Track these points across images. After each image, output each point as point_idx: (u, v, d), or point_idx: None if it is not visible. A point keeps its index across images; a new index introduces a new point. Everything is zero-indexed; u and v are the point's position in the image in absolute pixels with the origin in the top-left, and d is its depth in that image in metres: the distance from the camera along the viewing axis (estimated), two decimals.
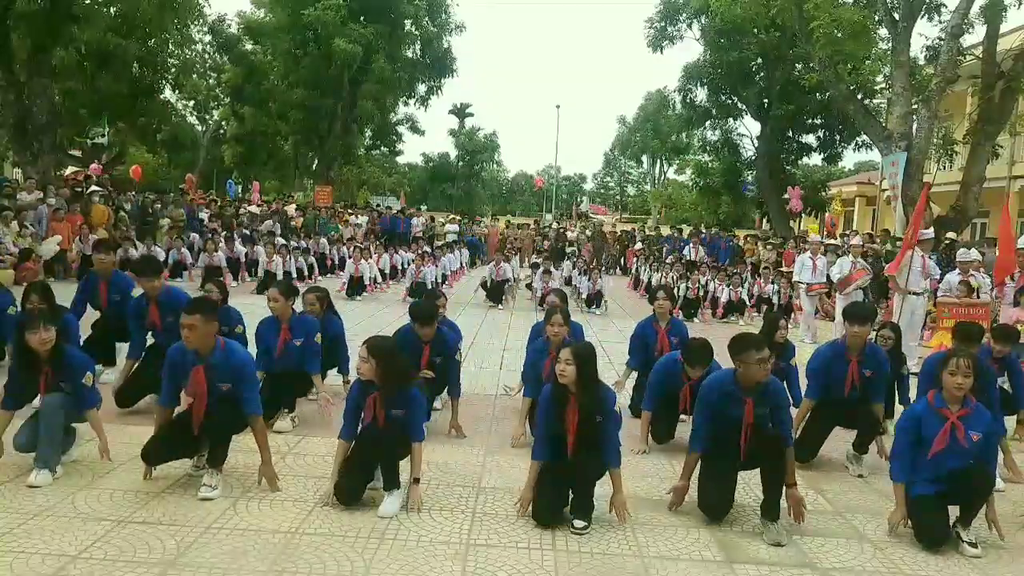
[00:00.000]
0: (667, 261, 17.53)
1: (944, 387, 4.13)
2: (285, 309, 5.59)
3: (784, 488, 4.09)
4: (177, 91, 28.46)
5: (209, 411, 4.25)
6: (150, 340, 5.94)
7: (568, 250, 22.98)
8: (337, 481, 4.13)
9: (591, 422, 4.04)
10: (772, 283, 14.13)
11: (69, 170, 22.57)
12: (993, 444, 4.29)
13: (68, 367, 4.35)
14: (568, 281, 17.03)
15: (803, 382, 5.74)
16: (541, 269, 14.69)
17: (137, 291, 6.14)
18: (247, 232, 18.15)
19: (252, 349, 5.43)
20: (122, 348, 6.64)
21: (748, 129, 33.09)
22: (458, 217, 30.25)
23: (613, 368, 8.03)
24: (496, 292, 14.00)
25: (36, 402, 4.46)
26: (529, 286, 15.30)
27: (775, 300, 13.68)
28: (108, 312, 6.51)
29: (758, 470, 4.21)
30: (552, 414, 4.09)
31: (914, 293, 9.28)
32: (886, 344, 6.01)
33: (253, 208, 23.59)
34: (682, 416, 5.64)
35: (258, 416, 4.32)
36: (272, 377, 5.55)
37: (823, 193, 31.86)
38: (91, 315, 6.65)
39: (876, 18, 17.72)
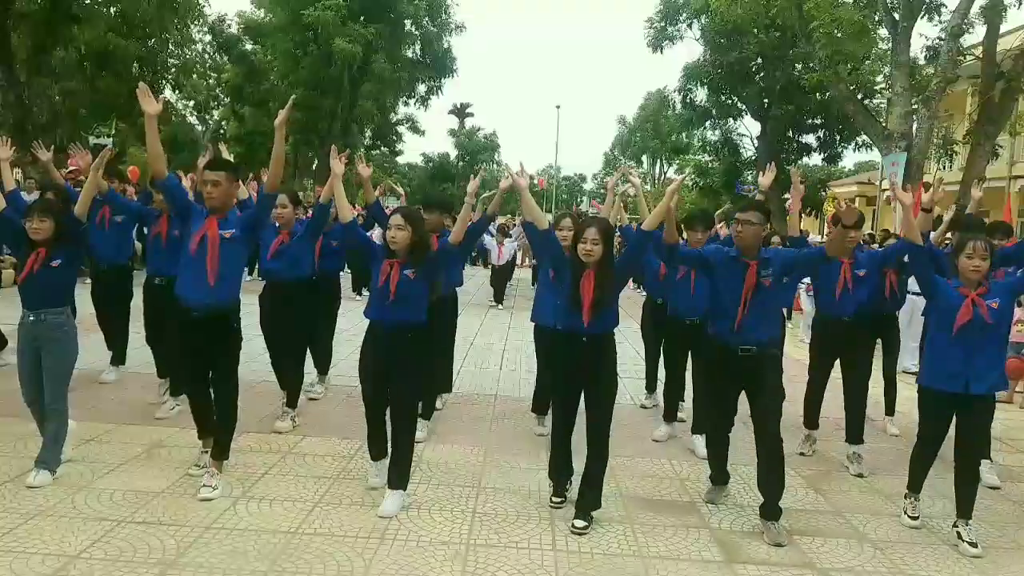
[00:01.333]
0: None
1: (960, 271, 4.12)
2: (290, 218, 5.57)
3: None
4: (177, 91, 28.42)
5: (221, 269, 4.16)
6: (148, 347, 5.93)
7: None
8: (363, 385, 4.25)
9: (607, 280, 4.03)
10: None
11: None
12: (1009, 308, 4.27)
13: (63, 248, 4.26)
14: None
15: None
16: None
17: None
18: None
19: (248, 352, 5.42)
20: (126, 352, 6.69)
21: (748, 129, 33.07)
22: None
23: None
24: (500, 281, 14.21)
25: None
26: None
27: None
28: (105, 239, 6.34)
29: (755, 473, 4.21)
30: (567, 278, 4.07)
31: (915, 294, 9.28)
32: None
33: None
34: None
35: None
36: (267, 290, 5.58)
37: (822, 193, 31.87)
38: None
39: (876, 18, 17.72)
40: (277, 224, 5.50)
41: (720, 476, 4.47)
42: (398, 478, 4.13)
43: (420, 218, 4.29)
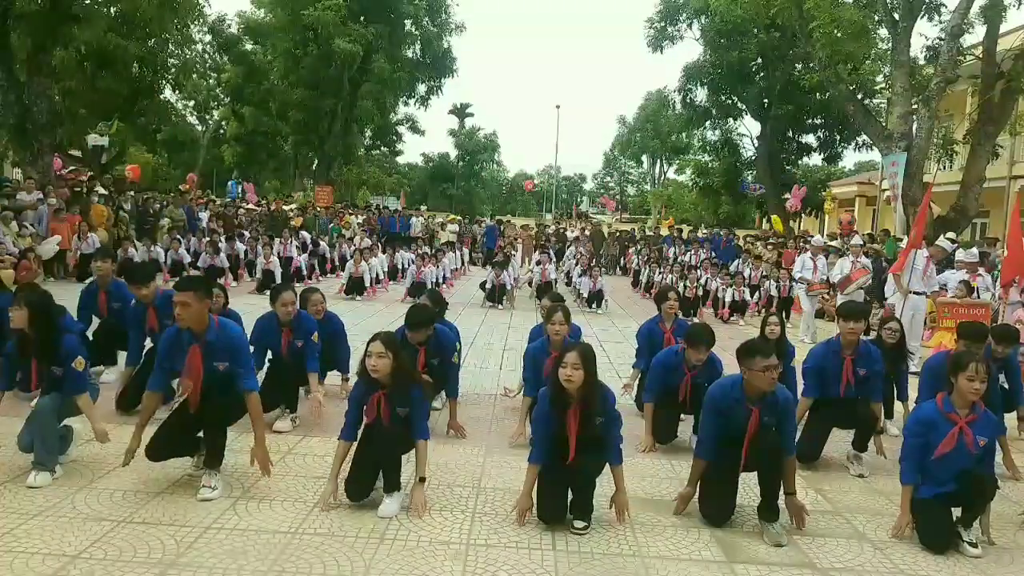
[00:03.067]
0: (667, 256, 17.64)
1: (958, 391, 4.11)
2: (293, 312, 5.66)
3: (784, 496, 4.09)
4: (177, 91, 28.44)
5: (207, 393, 4.20)
6: (148, 345, 5.93)
7: (568, 250, 23.01)
8: (348, 476, 4.13)
9: (592, 424, 3.98)
10: (768, 278, 14.23)
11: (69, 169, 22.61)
12: (994, 446, 4.30)
13: (58, 351, 4.35)
14: (568, 281, 17.06)
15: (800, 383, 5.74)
16: (537, 258, 14.93)
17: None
18: (244, 232, 18.14)
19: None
20: (122, 354, 6.68)
21: (748, 129, 33.22)
22: (458, 217, 30.24)
23: (614, 368, 8.04)
24: (494, 293, 14.07)
25: (34, 403, 4.46)
26: (531, 283, 15.48)
27: (774, 294, 13.73)
28: (109, 320, 6.56)
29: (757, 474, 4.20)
30: (552, 417, 4.01)
31: (916, 293, 9.31)
32: (892, 337, 6.05)
33: (251, 206, 23.59)
34: (682, 416, 5.66)
35: (254, 392, 4.27)
36: (275, 373, 5.58)
37: (823, 193, 31.89)
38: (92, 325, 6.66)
39: (876, 18, 17.74)
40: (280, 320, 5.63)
41: None
42: (391, 483, 4.14)
43: (398, 344, 4.19)
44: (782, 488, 4.09)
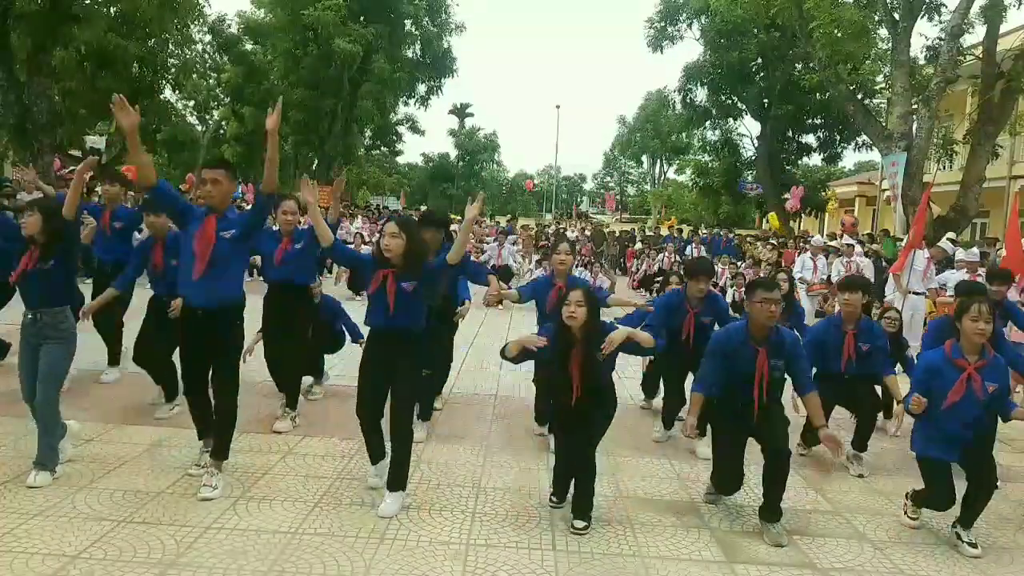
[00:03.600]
0: (666, 249, 17.71)
1: (964, 334, 4.07)
2: (293, 224, 5.59)
3: (816, 430, 4.13)
4: (177, 91, 28.43)
5: (213, 259, 4.16)
6: (144, 304, 5.89)
7: None
8: (358, 400, 4.21)
9: (595, 363, 3.99)
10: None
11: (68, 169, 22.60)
12: (1004, 396, 4.21)
13: (57, 249, 4.34)
14: None
15: None
16: (537, 258, 14.98)
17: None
18: None
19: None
20: (126, 354, 6.69)
21: (748, 129, 33.27)
22: (458, 217, 30.21)
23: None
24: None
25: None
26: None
27: None
28: (106, 243, 6.56)
29: (755, 474, 4.21)
30: (555, 360, 4.02)
31: (915, 293, 9.32)
32: (892, 326, 6.10)
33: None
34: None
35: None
36: (272, 295, 5.57)
37: (823, 193, 31.90)
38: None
39: (876, 18, 17.74)
40: (279, 229, 5.53)
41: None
42: (396, 480, 4.13)
43: (415, 226, 4.27)
44: (811, 424, 4.16)
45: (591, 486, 4.10)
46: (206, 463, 4.34)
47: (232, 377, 4.32)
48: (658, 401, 6.25)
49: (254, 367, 6.42)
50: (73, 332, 4.40)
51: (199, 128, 38.00)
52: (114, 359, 6.66)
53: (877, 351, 5.34)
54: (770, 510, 4.06)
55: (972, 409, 4.05)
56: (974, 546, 3.99)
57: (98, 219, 6.58)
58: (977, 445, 4.15)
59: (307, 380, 6.30)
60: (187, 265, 4.23)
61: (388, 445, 4.24)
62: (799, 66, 25.91)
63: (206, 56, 32.81)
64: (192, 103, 34.66)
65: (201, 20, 26.51)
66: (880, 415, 6.33)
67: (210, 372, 4.33)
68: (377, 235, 4.75)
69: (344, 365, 6.95)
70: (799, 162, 33.32)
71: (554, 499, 4.31)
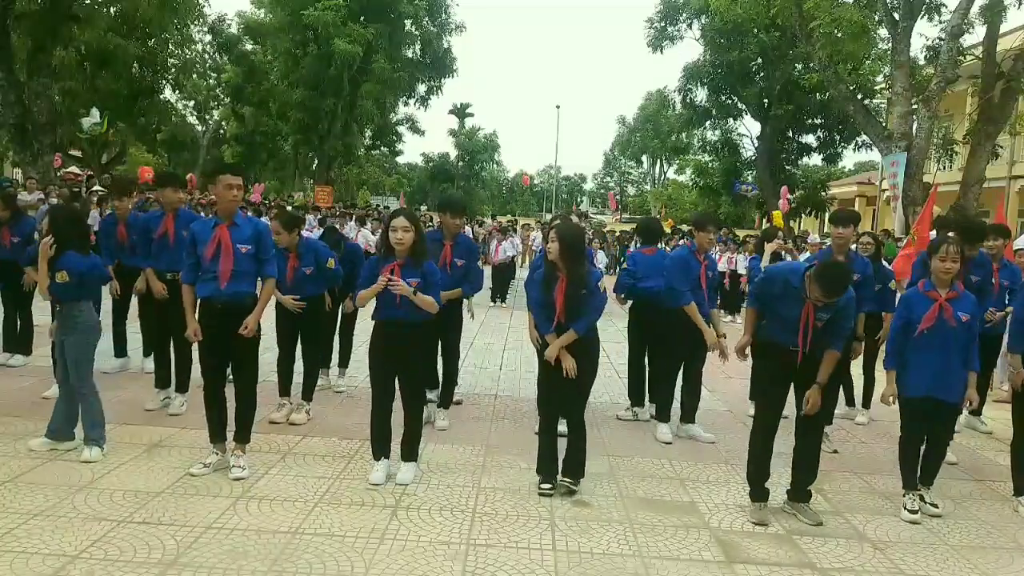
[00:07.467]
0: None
1: (933, 272, 4.47)
2: (291, 240, 5.62)
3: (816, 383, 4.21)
4: (177, 91, 28.50)
5: (235, 269, 4.39)
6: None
7: None
8: (372, 378, 4.48)
9: (577, 295, 4.30)
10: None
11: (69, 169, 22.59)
12: (976, 329, 4.49)
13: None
14: None
15: None
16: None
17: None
18: None
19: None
20: (132, 352, 6.75)
21: (748, 129, 33.19)
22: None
23: (614, 368, 8.02)
24: (501, 279, 14.28)
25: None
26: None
27: None
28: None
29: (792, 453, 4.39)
30: (543, 286, 4.39)
31: None
32: (866, 250, 6.25)
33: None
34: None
35: (272, 278, 4.61)
36: (285, 310, 5.67)
37: (823, 193, 31.87)
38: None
39: (876, 18, 17.72)
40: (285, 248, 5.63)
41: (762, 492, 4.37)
42: (411, 451, 4.53)
43: (419, 220, 4.52)
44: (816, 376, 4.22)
45: (582, 444, 4.42)
46: (231, 447, 4.53)
47: (252, 364, 4.58)
48: (644, 413, 6.22)
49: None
50: (89, 323, 4.67)
51: (199, 128, 38.02)
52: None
53: (867, 280, 5.64)
54: (800, 488, 4.31)
55: (946, 338, 4.35)
56: (935, 506, 4.42)
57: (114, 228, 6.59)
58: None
59: (334, 374, 6.68)
60: (206, 271, 4.41)
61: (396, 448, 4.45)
62: (799, 66, 25.92)
63: (206, 56, 32.86)
64: (192, 103, 34.72)
65: (201, 20, 26.58)
66: (850, 406, 6.54)
67: (227, 365, 4.60)
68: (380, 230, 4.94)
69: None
70: (799, 162, 33.30)
71: (543, 486, 4.43)
